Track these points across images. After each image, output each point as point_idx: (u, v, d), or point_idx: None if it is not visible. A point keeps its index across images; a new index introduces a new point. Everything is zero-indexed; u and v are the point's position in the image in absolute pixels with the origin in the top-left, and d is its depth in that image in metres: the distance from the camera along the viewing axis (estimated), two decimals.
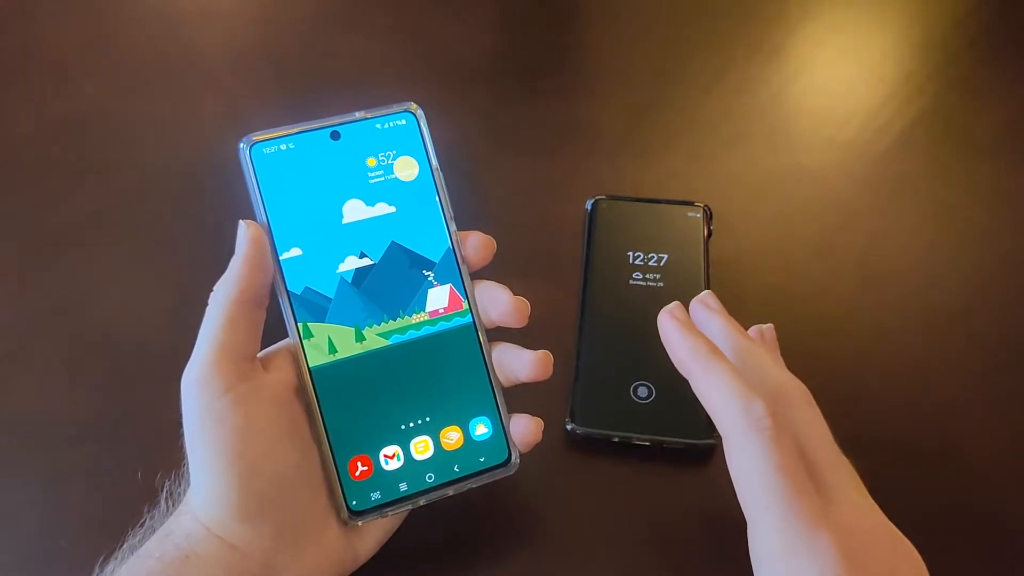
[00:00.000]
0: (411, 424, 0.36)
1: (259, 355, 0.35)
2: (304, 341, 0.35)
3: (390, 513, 0.35)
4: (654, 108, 0.58)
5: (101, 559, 0.34)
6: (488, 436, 0.36)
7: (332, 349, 0.35)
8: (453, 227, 0.37)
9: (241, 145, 0.35)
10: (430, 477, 0.36)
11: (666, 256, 0.47)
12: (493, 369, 0.37)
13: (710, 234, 0.48)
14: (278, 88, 0.60)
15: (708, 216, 0.49)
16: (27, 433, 0.42)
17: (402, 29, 0.63)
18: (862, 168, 0.54)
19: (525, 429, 0.36)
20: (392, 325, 0.36)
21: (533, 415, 0.37)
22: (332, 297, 0.36)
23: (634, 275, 0.46)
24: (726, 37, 0.63)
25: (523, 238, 0.49)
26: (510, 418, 0.36)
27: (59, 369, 0.45)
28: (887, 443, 0.42)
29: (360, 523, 0.34)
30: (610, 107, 0.58)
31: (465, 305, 0.37)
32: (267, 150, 0.35)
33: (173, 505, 0.34)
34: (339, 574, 0.35)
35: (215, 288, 0.34)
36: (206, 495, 0.32)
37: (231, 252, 0.34)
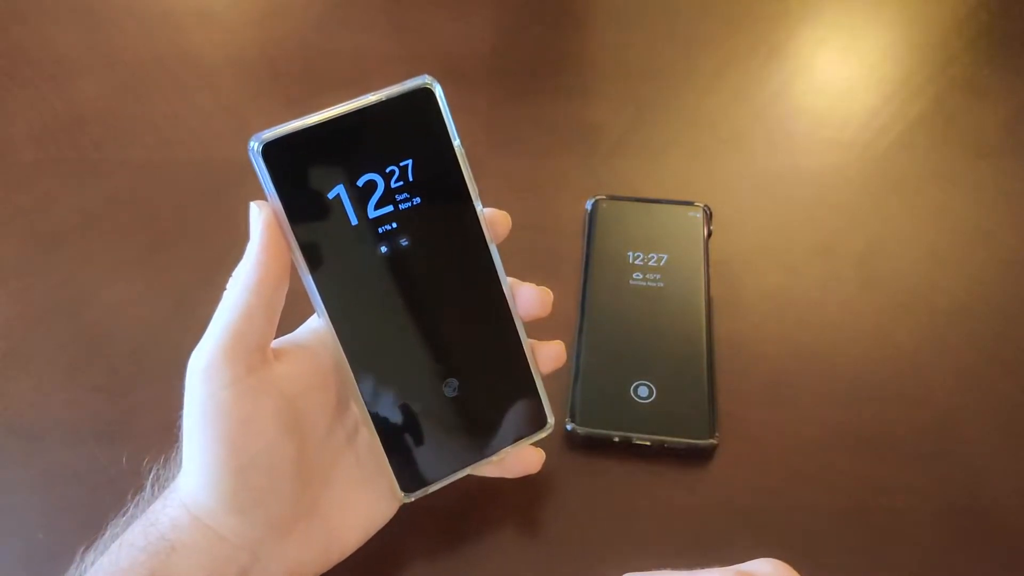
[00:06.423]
0: None
1: (274, 344, 0.34)
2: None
3: (439, 486, 0.37)
4: (654, 108, 0.58)
5: (82, 549, 0.33)
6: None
7: None
8: (479, 207, 0.36)
9: (252, 144, 0.32)
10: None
11: (666, 256, 0.47)
12: (525, 336, 0.37)
13: (710, 234, 0.48)
14: (277, 87, 0.59)
15: (708, 216, 0.49)
16: (25, 433, 0.42)
17: (401, 28, 0.63)
18: (862, 168, 0.54)
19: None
20: None
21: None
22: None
23: (634, 275, 0.46)
24: (726, 37, 0.63)
25: (523, 238, 0.49)
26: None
27: (57, 369, 0.45)
28: (886, 443, 0.42)
29: (413, 499, 0.36)
30: (610, 107, 0.58)
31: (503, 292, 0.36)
32: (278, 147, 0.32)
33: (159, 490, 0.34)
34: (324, 565, 0.35)
35: (233, 274, 0.33)
36: (198, 484, 0.32)
37: (230, 252, 0.34)
